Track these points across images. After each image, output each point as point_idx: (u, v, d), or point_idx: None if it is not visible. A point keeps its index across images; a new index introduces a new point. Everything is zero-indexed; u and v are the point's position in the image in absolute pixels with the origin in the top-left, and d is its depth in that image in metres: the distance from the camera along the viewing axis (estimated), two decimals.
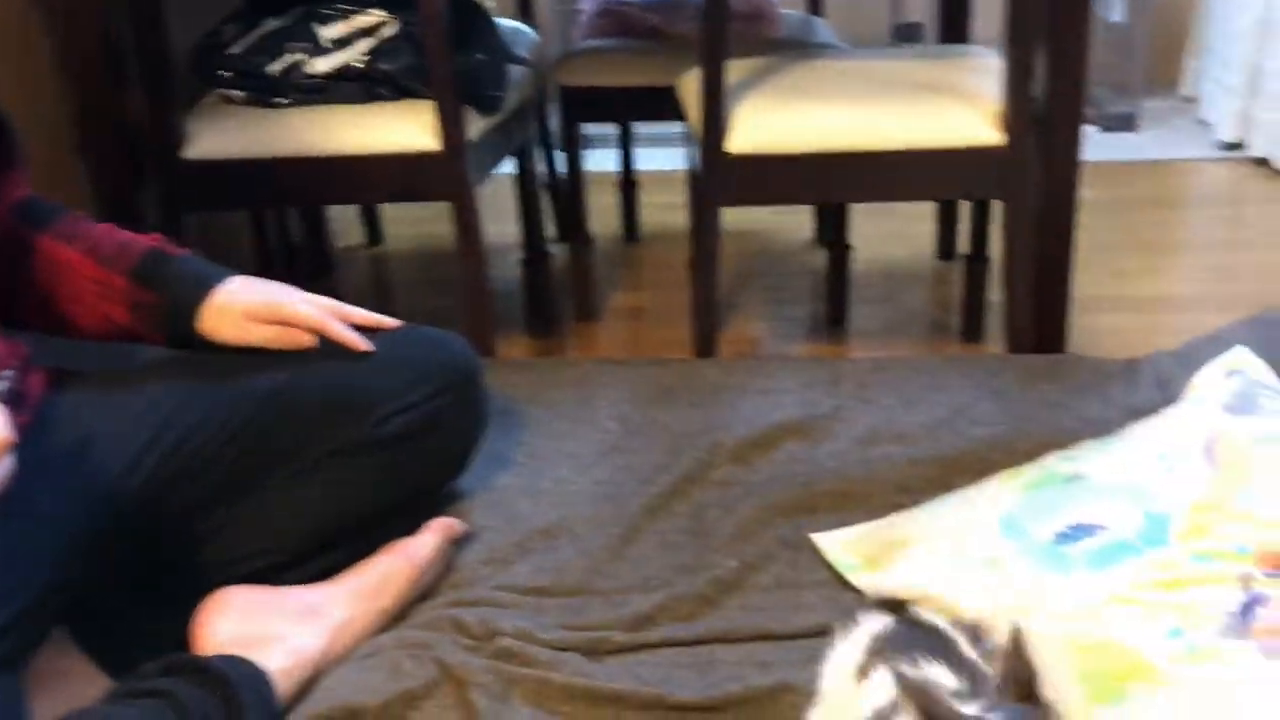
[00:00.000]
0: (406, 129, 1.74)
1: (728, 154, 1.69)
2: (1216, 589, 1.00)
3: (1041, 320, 1.81)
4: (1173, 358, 1.54)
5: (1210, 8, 3.51)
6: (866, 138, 1.66)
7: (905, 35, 3.70)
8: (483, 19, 1.84)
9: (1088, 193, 3.10)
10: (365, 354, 1.24)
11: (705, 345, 1.76)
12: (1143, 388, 1.50)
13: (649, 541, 1.30)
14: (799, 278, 2.59)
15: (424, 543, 1.24)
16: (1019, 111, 1.61)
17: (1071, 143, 1.72)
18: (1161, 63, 3.76)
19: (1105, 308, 2.35)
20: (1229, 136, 3.24)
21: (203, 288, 1.21)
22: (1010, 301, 1.75)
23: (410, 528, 1.25)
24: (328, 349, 1.23)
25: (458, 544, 1.28)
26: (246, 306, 1.21)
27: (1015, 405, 1.50)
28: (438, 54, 1.67)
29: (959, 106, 1.67)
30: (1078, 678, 0.97)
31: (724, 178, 1.70)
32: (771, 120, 1.69)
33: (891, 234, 2.77)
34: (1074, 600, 1.03)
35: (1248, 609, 0.97)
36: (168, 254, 1.23)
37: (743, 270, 2.64)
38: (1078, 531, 1.09)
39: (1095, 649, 0.97)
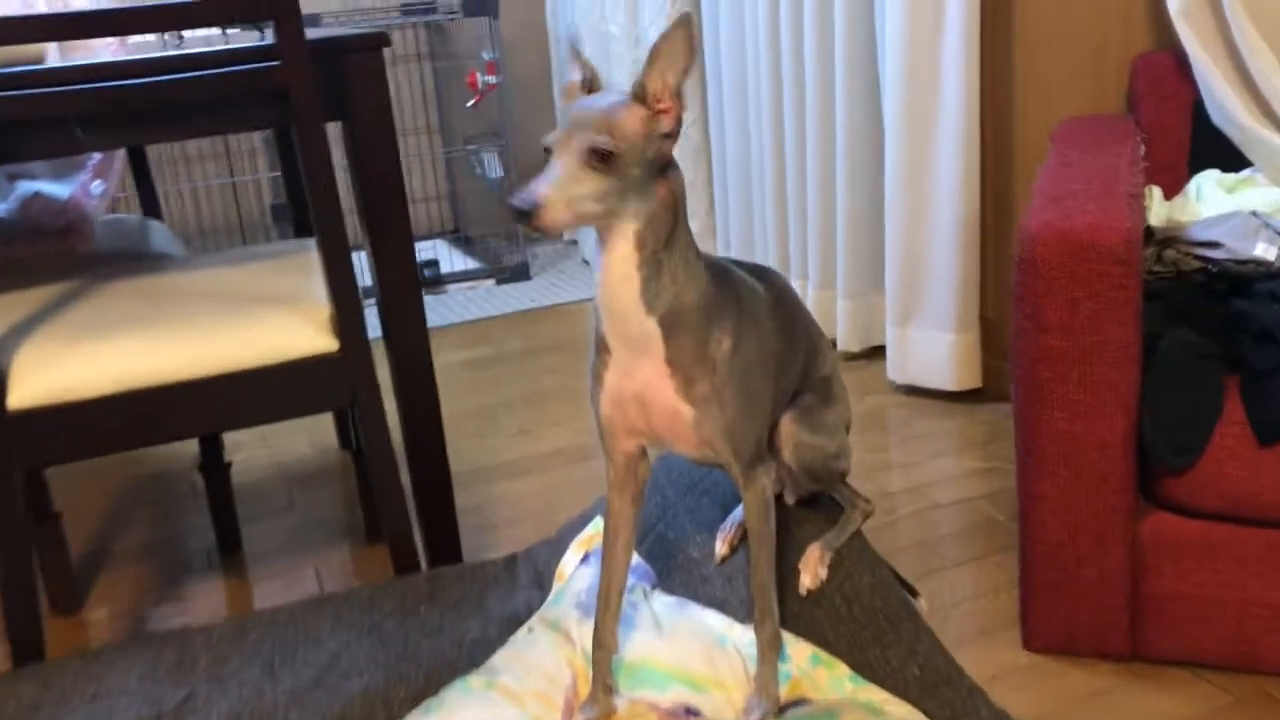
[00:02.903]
0: None
1: (10, 411, 1.39)
2: None
3: (430, 519, 1.69)
4: (548, 547, 1.47)
5: None
6: (182, 368, 1.44)
7: (281, 215, 3.59)
8: None
9: (490, 350, 3.11)
10: None
11: (27, 647, 1.42)
12: (520, 589, 1.41)
13: None
14: (187, 503, 2.29)
15: None
16: (345, 313, 1.48)
17: (416, 332, 1.62)
18: None
19: (510, 473, 2.30)
20: None
21: None
22: (387, 511, 1.58)
23: None
24: None
25: None
26: None
27: (393, 642, 1.34)
28: None
29: (285, 317, 1.50)
30: None
31: (11, 438, 1.39)
32: (62, 364, 1.42)
33: (294, 427, 2.57)
34: None
35: None
36: None
37: (118, 509, 2.30)
38: None
39: None
